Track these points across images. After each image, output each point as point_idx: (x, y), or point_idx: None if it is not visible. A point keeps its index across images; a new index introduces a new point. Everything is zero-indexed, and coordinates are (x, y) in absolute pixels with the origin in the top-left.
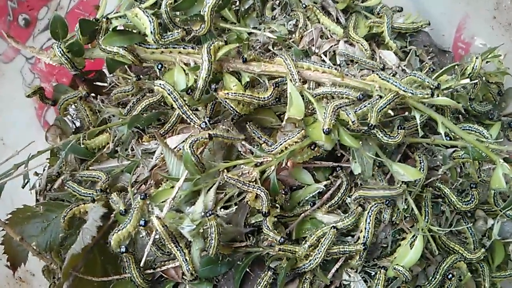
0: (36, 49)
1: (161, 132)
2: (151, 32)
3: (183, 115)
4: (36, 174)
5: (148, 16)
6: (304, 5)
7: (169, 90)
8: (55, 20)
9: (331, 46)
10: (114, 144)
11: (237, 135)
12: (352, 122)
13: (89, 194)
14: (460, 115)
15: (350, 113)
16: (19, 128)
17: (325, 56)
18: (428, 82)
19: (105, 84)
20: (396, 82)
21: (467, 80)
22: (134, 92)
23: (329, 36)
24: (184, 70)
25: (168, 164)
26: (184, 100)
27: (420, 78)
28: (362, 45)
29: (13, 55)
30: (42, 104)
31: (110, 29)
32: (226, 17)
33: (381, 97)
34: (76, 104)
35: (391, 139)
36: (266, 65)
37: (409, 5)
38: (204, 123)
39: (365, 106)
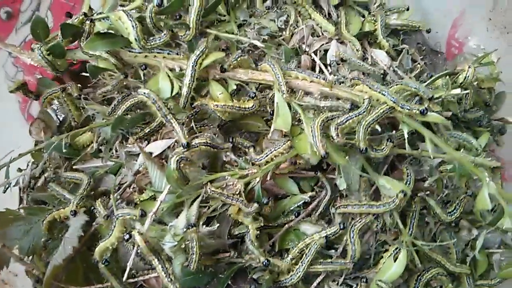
0: (17, 49)
1: (144, 135)
2: (135, 38)
3: (167, 124)
4: (20, 170)
5: (131, 21)
6: (295, 1)
7: (153, 99)
8: (35, 21)
9: (322, 45)
10: (98, 143)
11: (222, 143)
12: (334, 137)
13: (72, 198)
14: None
15: (333, 128)
16: (2, 122)
17: (315, 55)
18: (423, 92)
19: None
20: (389, 94)
21: (458, 90)
22: (119, 89)
23: (320, 34)
24: (169, 76)
25: (151, 175)
26: (169, 109)
27: (414, 88)
28: (353, 45)
29: None
30: (26, 98)
31: (93, 32)
32: (217, 10)
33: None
34: (59, 100)
35: (379, 152)
36: (254, 73)
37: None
38: (185, 144)
39: (350, 118)
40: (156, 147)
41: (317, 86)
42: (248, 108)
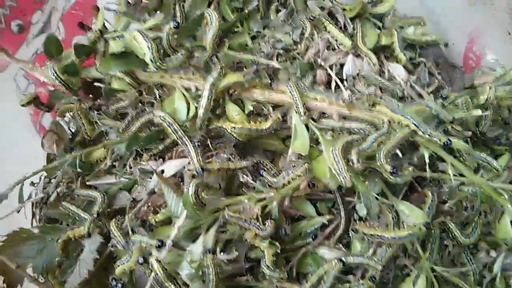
0: (29, 65)
1: (159, 152)
2: (151, 60)
3: (182, 146)
4: (32, 184)
5: (147, 42)
6: (312, 17)
7: (169, 122)
8: (48, 39)
9: (338, 59)
10: (112, 160)
11: (238, 163)
12: (355, 162)
13: (86, 217)
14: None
15: (354, 154)
16: (14, 135)
17: (331, 69)
18: (444, 117)
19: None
20: (411, 118)
21: (479, 111)
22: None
23: (336, 47)
24: (185, 96)
25: (166, 198)
26: (185, 131)
27: (435, 111)
28: (370, 59)
29: (7, 63)
30: (38, 110)
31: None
32: (230, 21)
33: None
34: (72, 112)
35: (400, 177)
36: (271, 94)
37: (420, 11)
38: (200, 170)
39: (372, 143)
40: (171, 166)
41: (336, 108)
42: (265, 129)
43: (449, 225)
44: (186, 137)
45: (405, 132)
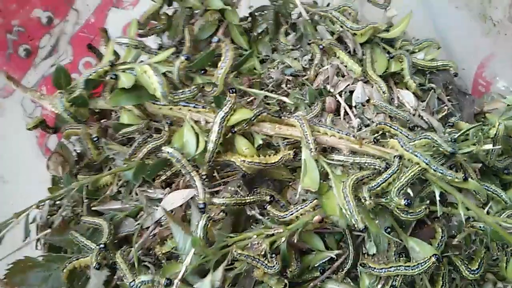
0: (37, 94)
1: (166, 178)
2: (162, 94)
3: (190, 181)
4: (37, 207)
5: (158, 77)
6: (321, 46)
7: (177, 158)
8: (57, 70)
9: (347, 85)
10: (118, 186)
11: (247, 198)
12: (367, 199)
13: (93, 247)
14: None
15: (365, 192)
16: (20, 157)
17: (340, 96)
18: (443, 148)
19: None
20: (422, 156)
21: (490, 146)
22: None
23: (346, 73)
24: (194, 129)
25: (174, 234)
26: (193, 165)
27: (436, 143)
28: (380, 87)
29: (13, 89)
30: (44, 132)
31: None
32: (238, 44)
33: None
34: (78, 136)
35: (412, 215)
36: (280, 128)
37: (430, 34)
38: (203, 205)
39: (384, 181)
40: (178, 197)
41: (346, 143)
42: (274, 163)
43: (456, 262)
44: (195, 172)
45: (415, 170)
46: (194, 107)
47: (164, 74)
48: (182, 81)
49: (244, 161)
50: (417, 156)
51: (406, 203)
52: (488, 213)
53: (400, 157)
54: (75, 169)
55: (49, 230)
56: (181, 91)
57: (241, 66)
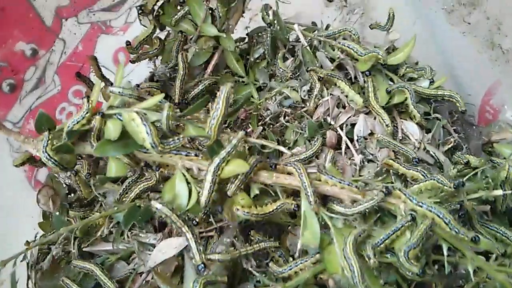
0: (21, 137)
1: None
2: (151, 145)
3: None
4: (28, 243)
5: (146, 126)
6: (320, 78)
7: (166, 214)
8: (40, 116)
9: (348, 117)
10: (109, 228)
11: (243, 250)
12: (371, 257)
13: None
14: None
15: (369, 249)
16: (8, 192)
17: (341, 129)
18: (447, 187)
19: None
20: (440, 212)
21: (500, 192)
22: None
23: (347, 104)
24: (186, 179)
25: None
26: (184, 220)
27: (441, 183)
28: (383, 119)
29: None
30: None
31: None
32: (234, 70)
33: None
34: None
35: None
36: (278, 176)
37: (435, 58)
38: (201, 266)
39: (388, 237)
40: (171, 246)
41: (348, 193)
42: (270, 212)
43: None
44: (186, 228)
45: (423, 228)
46: (186, 155)
47: (153, 124)
48: (172, 129)
49: (238, 209)
50: (431, 211)
51: (420, 273)
52: (496, 258)
53: (414, 218)
54: (66, 202)
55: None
56: (171, 140)
57: (234, 114)
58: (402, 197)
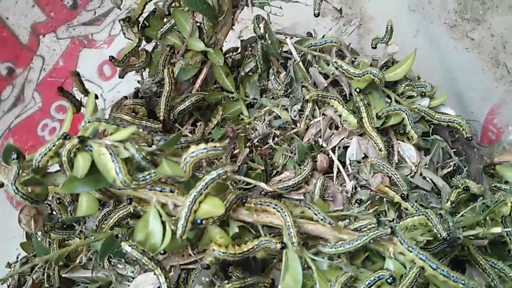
0: None
1: None
2: (122, 183)
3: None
4: (9, 265)
5: (115, 163)
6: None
7: (136, 257)
8: (7, 148)
9: (341, 140)
10: (87, 256)
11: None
12: None
13: None
14: None
15: None
16: None
17: (333, 152)
18: (437, 230)
19: None
20: (425, 257)
21: (499, 229)
22: None
23: (340, 125)
24: (160, 216)
25: None
26: (157, 262)
27: (432, 223)
28: (376, 143)
29: None
30: None
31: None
32: (224, 86)
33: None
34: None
35: None
36: (259, 214)
37: (437, 73)
38: None
39: (373, 283)
40: (148, 281)
41: (334, 233)
42: (249, 250)
43: None
44: (159, 270)
45: (413, 274)
46: (161, 191)
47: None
48: (143, 165)
49: (215, 250)
50: (422, 259)
51: None
52: None
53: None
54: (48, 221)
55: None
56: (141, 177)
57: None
58: (394, 239)
